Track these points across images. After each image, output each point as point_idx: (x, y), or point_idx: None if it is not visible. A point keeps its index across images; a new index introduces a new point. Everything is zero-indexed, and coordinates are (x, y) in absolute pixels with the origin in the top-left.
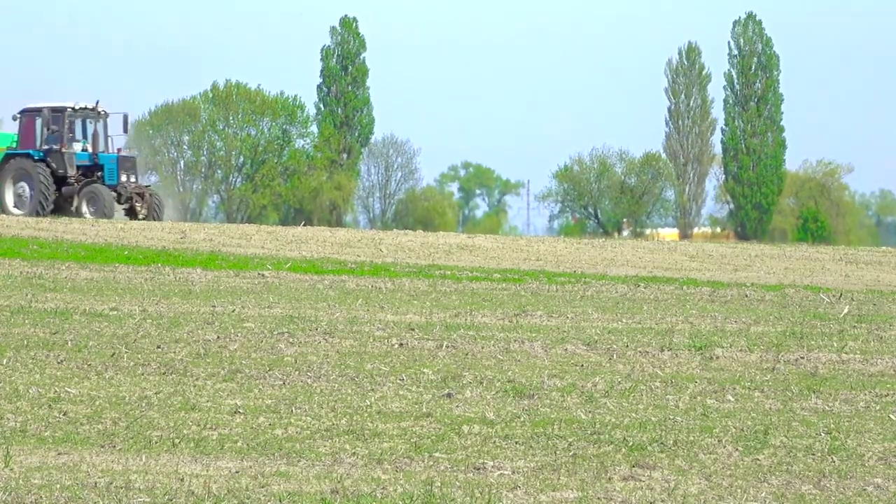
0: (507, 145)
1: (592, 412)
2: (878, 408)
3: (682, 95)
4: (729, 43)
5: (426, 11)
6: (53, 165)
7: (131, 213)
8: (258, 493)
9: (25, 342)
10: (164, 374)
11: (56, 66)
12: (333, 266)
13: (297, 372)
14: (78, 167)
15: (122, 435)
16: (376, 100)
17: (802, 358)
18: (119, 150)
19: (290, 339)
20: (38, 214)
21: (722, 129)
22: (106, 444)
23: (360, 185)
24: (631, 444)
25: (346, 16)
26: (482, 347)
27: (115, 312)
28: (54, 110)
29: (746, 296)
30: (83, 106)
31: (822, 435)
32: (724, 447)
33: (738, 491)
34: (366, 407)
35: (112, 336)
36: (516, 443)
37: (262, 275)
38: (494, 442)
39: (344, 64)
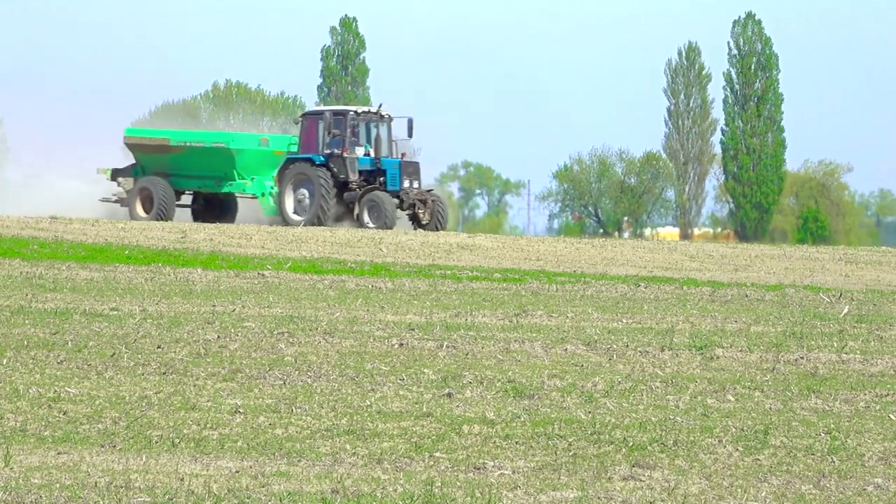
0: (507, 145)
1: (592, 412)
2: (878, 408)
3: (682, 95)
4: (728, 43)
5: (426, 11)
6: (335, 170)
7: (414, 220)
8: (258, 493)
9: (25, 342)
10: (164, 373)
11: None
12: (333, 266)
13: (297, 372)
14: (360, 172)
15: (122, 435)
16: (376, 100)
17: (802, 358)
18: (403, 154)
19: (291, 339)
20: (318, 222)
21: (722, 129)
22: (106, 444)
23: None
24: (631, 444)
25: (346, 16)
26: (482, 347)
27: (116, 312)
28: (337, 114)
29: (747, 296)
30: (366, 109)
31: (822, 435)
32: (724, 447)
33: (738, 491)
34: (366, 407)
35: (112, 336)
36: (516, 443)
37: (263, 275)
38: (494, 442)
39: (344, 64)
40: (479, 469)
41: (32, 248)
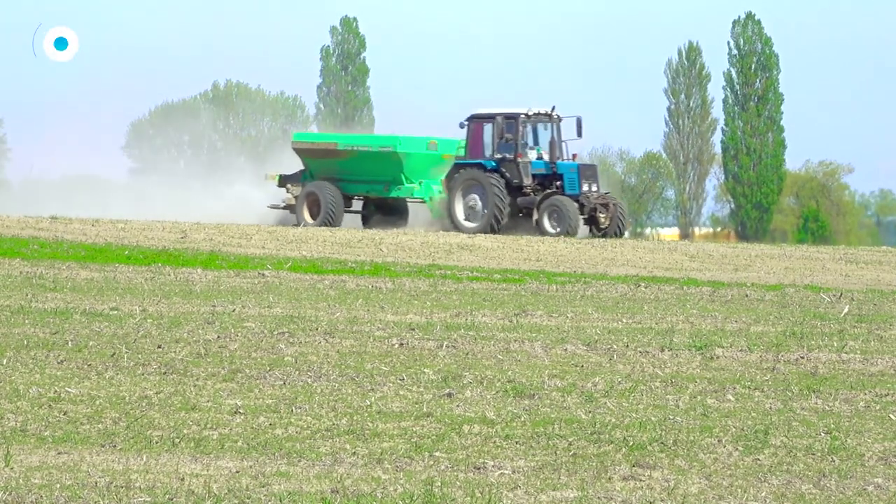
0: None
1: (592, 412)
2: (878, 408)
3: (682, 95)
4: (728, 43)
5: (426, 11)
6: (507, 175)
7: (593, 225)
8: (258, 493)
9: (25, 342)
10: (164, 373)
11: None
12: (334, 266)
13: (297, 372)
14: (534, 176)
15: (122, 435)
16: (376, 100)
17: (802, 358)
18: (574, 156)
19: (291, 339)
20: (492, 229)
21: (722, 129)
22: (106, 444)
23: None
24: (631, 443)
25: (346, 16)
26: (482, 347)
27: (116, 312)
28: (508, 117)
29: (747, 296)
30: (537, 111)
31: (822, 435)
32: (724, 447)
33: (738, 491)
34: (366, 407)
35: (112, 336)
36: (516, 443)
37: (263, 274)
38: (495, 442)
39: (344, 64)
40: (479, 469)
41: (32, 248)
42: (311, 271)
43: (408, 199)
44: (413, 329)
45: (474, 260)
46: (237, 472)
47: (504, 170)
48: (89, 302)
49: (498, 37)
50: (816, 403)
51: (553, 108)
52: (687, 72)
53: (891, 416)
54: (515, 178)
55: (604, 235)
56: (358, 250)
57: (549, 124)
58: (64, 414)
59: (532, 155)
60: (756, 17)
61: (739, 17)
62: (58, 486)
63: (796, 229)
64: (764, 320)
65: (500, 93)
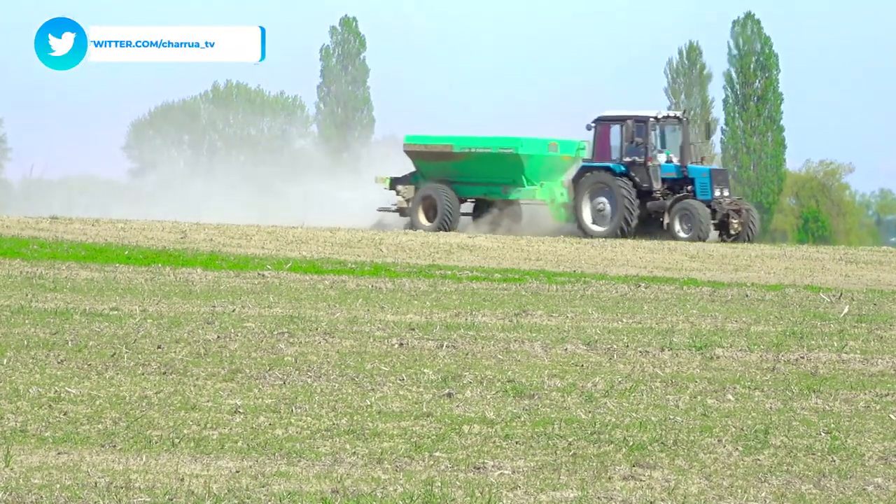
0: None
1: (592, 412)
2: (878, 408)
3: (682, 95)
4: (728, 43)
5: (426, 11)
6: (637, 179)
7: (723, 231)
8: (258, 493)
9: (25, 342)
10: (164, 373)
11: None
12: (334, 266)
13: (297, 372)
14: (663, 180)
15: (122, 435)
16: (376, 100)
17: (802, 358)
18: (702, 159)
19: (291, 339)
20: (621, 233)
21: (722, 129)
22: (106, 444)
23: None
24: (631, 443)
25: (346, 16)
26: (482, 347)
27: (116, 312)
28: (637, 120)
29: (747, 296)
30: (667, 114)
31: (822, 435)
32: (724, 447)
33: (738, 491)
34: (366, 407)
35: (112, 336)
36: (516, 442)
37: (263, 275)
38: (494, 442)
39: (344, 64)
40: (479, 469)
41: (32, 248)
42: (311, 271)
43: (526, 202)
44: (413, 329)
45: (474, 260)
46: (237, 472)
47: (633, 173)
48: (89, 302)
49: (497, 36)
50: (816, 403)
51: (683, 111)
52: (687, 72)
53: (891, 416)
54: (645, 181)
55: (734, 241)
56: (358, 250)
57: (678, 127)
58: (64, 414)
59: (661, 158)
60: (756, 17)
61: (739, 17)
62: (58, 486)
63: (796, 229)
64: (764, 320)
65: (500, 93)
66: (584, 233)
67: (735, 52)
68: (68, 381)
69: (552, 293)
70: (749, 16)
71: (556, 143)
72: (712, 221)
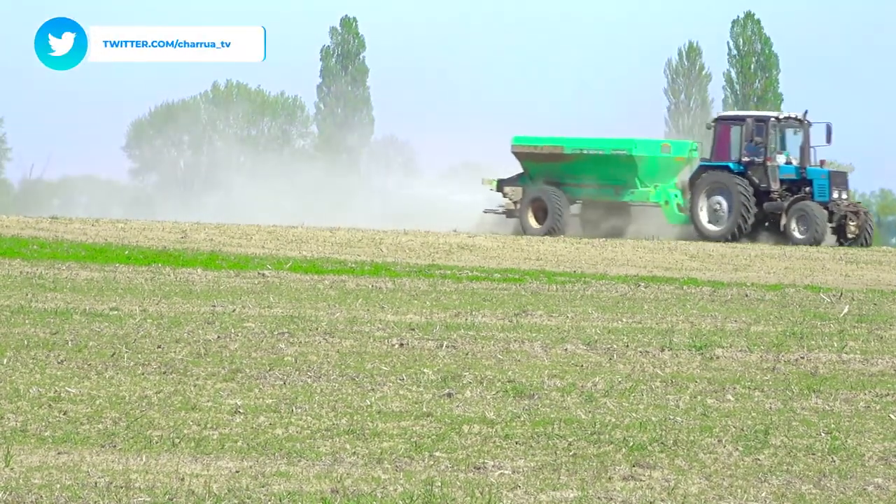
0: (507, 145)
1: (592, 412)
2: (878, 408)
3: (682, 95)
4: (728, 43)
5: (426, 11)
6: (755, 180)
7: (840, 234)
8: (258, 493)
9: (25, 342)
10: (164, 373)
11: None
12: (334, 266)
13: (297, 372)
14: (781, 181)
15: (122, 435)
16: (376, 100)
17: (802, 358)
18: (822, 162)
19: (291, 339)
20: (736, 234)
21: None
22: (106, 444)
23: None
24: (631, 443)
25: (346, 16)
26: (482, 347)
27: (116, 312)
28: (758, 120)
29: (746, 295)
30: (788, 115)
31: (822, 435)
32: (724, 447)
33: (738, 491)
34: (366, 407)
35: (112, 336)
36: (516, 442)
37: (263, 275)
38: (494, 442)
39: (344, 64)
40: (479, 469)
41: (32, 248)
42: (311, 271)
43: (638, 204)
44: (413, 329)
45: (474, 260)
46: (237, 472)
47: (751, 173)
48: (89, 302)
49: (497, 36)
50: (816, 403)
51: (805, 112)
52: (687, 72)
53: (891, 416)
54: (763, 182)
55: (851, 244)
56: (358, 250)
57: (798, 129)
58: (64, 414)
59: (780, 159)
60: (756, 17)
61: (739, 17)
62: (58, 486)
63: None
64: (764, 320)
65: (500, 93)
66: (701, 234)
67: (735, 52)
68: (68, 381)
69: (552, 293)
70: (749, 16)
71: (668, 144)
72: (829, 224)
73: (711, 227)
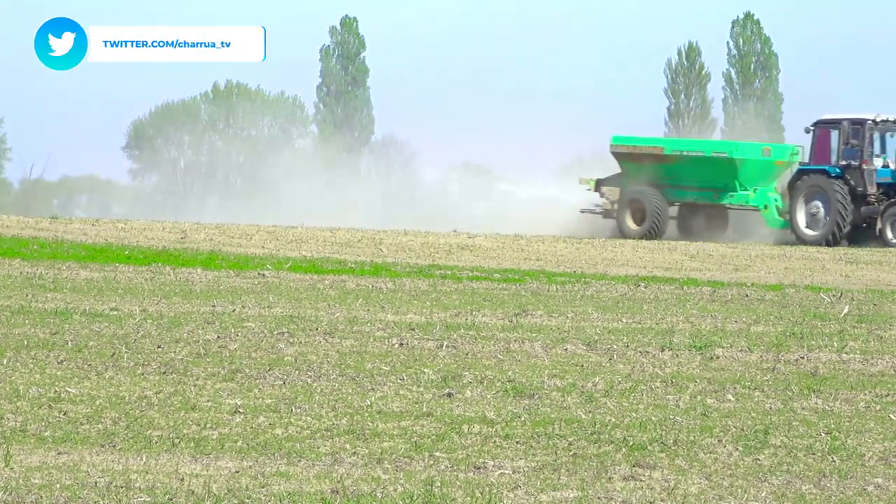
0: (507, 145)
1: (592, 412)
2: (878, 408)
3: (682, 95)
4: (728, 43)
5: (426, 11)
6: (852, 183)
7: None
8: (258, 493)
9: (25, 342)
10: (164, 373)
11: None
12: (334, 266)
13: (297, 372)
14: (878, 185)
15: (122, 435)
16: (376, 100)
17: (802, 358)
18: None
19: (291, 339)
20: (833, 239)
21: (722, 129)
22: (106, 444)
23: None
24: (631, 443)
25: (346, 16)
26: (482, 347)
27: (116, 312)
28: (854, 122)
29: (747, 296)
30: (885, 118)
31: (822, 435)
32: (724, 447)
33: (738, 491)
34: (366, 407)
35: (112, 336)
36: (516, 442)
37: (263, 275)
38: (495, 442)
39: (344, 64)
40: (479, 469)
41: (32, 248)
42: (311, 271)
43: (737, 207)
44: (413, 329)
45: (474, 260)
46: (237, 472)
47: (848, 177)
48: (89, 302)
49: (496, 36)
50: (816, 403)
51: None
52: (687, 72)
53: (891, 416)
54: (860, 185)
55: None
56: (358, 250)
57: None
58: (64, 414)
59: (878, 163)
60: (755, 17)
61: (739, 17)
62: (58, 486)
63: None
64: (764, 320)
65: (499, 93)
66: (799, 238)
67: (735, 52)
68: (68, 381)
69: (552, 293)
70: (749, 16)
71: (769, 148)
72: None
73: (809, 232)
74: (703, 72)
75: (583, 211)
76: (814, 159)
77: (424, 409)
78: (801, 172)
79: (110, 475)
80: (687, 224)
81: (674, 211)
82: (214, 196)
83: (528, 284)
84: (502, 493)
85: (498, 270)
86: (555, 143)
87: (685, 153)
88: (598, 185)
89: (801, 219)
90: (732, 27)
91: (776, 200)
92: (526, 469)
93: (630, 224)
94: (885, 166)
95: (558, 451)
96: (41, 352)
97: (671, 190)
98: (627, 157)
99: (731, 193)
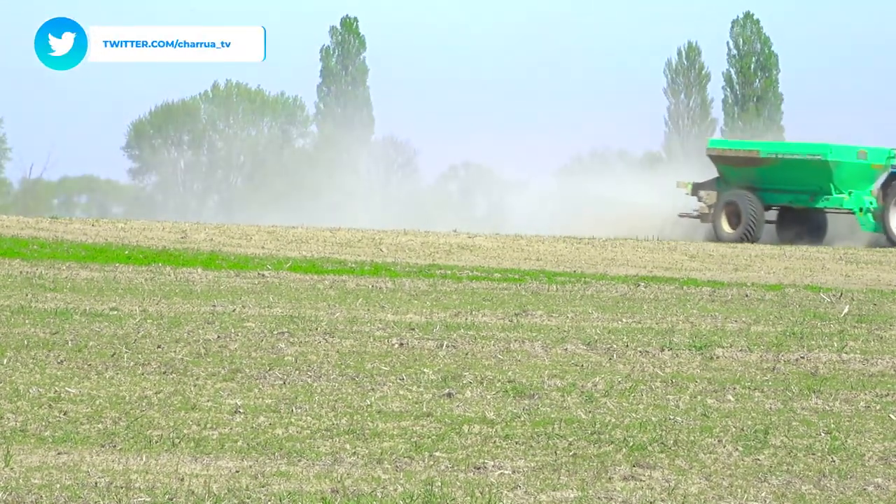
0: (507, 145)
1: (592, 412)
2: (878, 408)
3: (682, 95)
4: (728, 43)
5: (426, 11)
6: None
7: None
8: (258, 493)
9: (25, 342)
10: (164, 373)
11: None
12: (334, 266)
13: (297, 371)
14: None
15: (122, 435)
16: (376, 100)
17: (802, 358)
18: None
19: (291, 339)
20: None
21: (721, 129)
22: (106, 444)
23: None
24: (631, 443)
25: (346, 16)
26: (482, 347)
27: (116, 312)
28: None
29: (747, 295)
30: None
31: (822, 435)
32: (724, 447)
33: (738, 491)
34: (366, 406)
35: (112, 336)
36: (516, 442)
37: (263, 275)
38: (494, 442)
39: (344, 64)
40: (479, 469)
41: (32, 248)
42: (311, 271)
43: (832, 210)
44: (413, 329)
45: (474, 260)
46: (237, 472)
47: None
48: (89, 302)
49: (496, 36)
50: (816, 403)
51: None
52: (686, 72)
53: (891, 416)
54: None
55: None
56: (358, 250)
57: None
58: (64, 414)
59: None
60: (755, 17)
61: (739, 17)
62: (58, 486)
63: None
64: (764, 320)
65: (499, 93)
66: (891, 242)
67: (735, 52)
68: (68, 381)
69: (552, 293)
70: (749, 16)
71: (865, 151)
72: None
73: None
74: (703, 72)
75: (681, 215)
76: None
77: (424, 409)
78: (893, 175)
79: (110, 475)
80: (785, 228)
81: (779, 214)
82: (214, 196)
83: (528, 284)
84: (502, 493)
85: (498, 270)
86: (555, 143)
87: (780, 156)
88: (696, 188)
89: (893, 222)
90: (732, 27)
91: (871, 204)
92: (526, 469)
93: (726, 228)
94: None
95: (558, 451)
96: (41, 352)
97: (767, 193)
98: (723, 160)
99: (826, 197)
